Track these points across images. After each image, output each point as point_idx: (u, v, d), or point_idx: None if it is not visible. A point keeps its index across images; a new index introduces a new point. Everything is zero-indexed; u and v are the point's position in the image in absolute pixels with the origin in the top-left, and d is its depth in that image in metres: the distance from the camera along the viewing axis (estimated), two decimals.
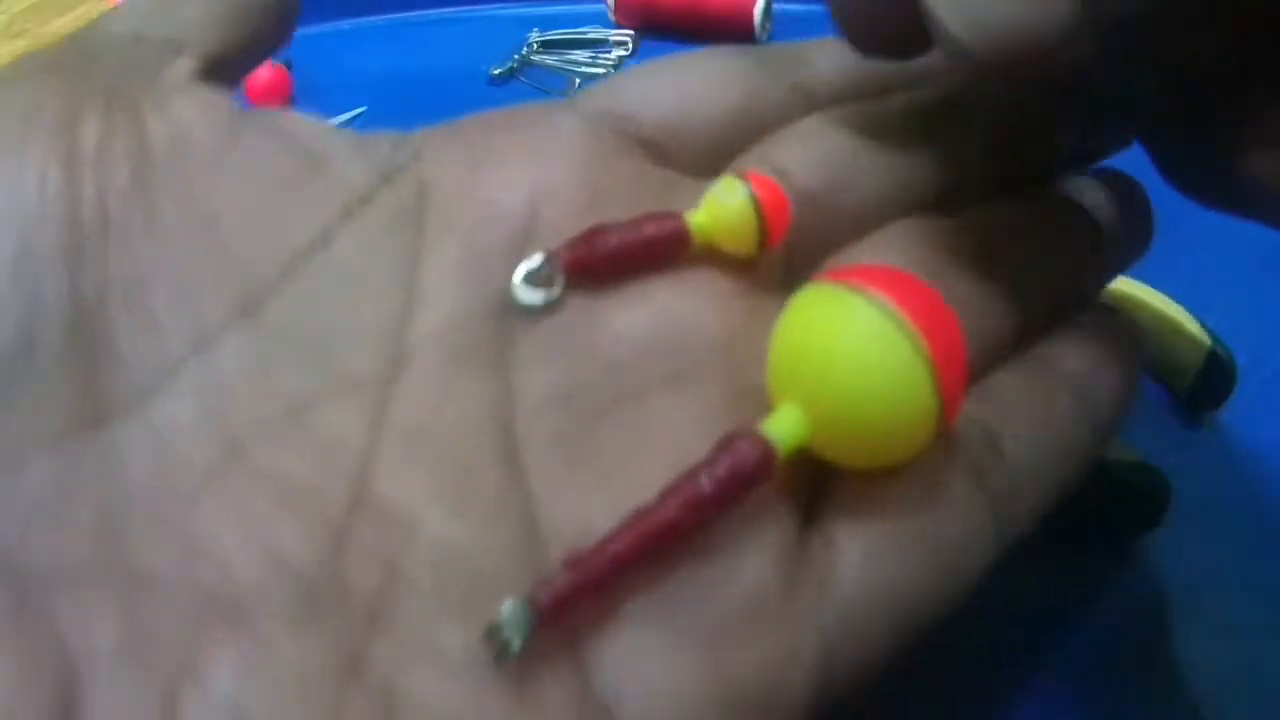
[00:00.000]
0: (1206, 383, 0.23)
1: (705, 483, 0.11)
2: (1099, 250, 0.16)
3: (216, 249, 0.12)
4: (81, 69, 0.13)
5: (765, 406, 0.12)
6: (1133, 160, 0.16)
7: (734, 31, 0.40)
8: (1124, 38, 0.11)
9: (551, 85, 0.39)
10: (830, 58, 0.16)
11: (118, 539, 0.10)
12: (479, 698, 0.10)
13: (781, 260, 0.14)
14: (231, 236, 0.12)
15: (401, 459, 0.11)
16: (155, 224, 0.12)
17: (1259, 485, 0.22)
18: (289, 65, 0.38)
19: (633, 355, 0.12)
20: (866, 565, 0.12)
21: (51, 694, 0.09)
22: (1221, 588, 0.20)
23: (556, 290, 0.12)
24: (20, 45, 0.51)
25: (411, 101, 0.33)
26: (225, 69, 0.14)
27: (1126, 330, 0.15)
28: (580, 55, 0.41)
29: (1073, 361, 0.14)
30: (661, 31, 0.41)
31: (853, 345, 0.11)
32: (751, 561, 0.12)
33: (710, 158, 0.15)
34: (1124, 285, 0.23)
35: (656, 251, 0.13)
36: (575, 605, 0.10)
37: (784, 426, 0.11)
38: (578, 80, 0.39)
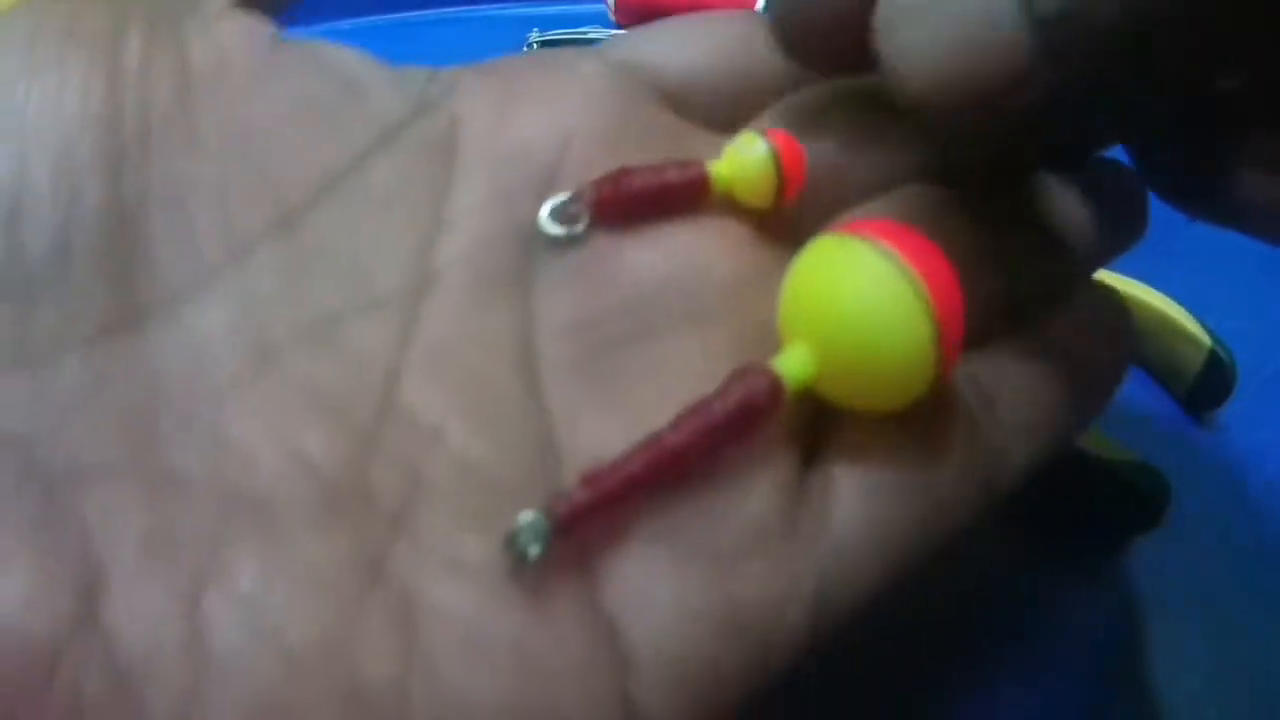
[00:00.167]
0: (1206, 383, 0.23)
1: (717, 411, 0.11)
2: (1093, 228, 0.16)
3: (254, 167, 0.12)
4: None
5: (774, 347, 0.12)
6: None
7: None
8: (1089, 73, 0.11)
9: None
10: None
11: (147, 439, 0.11)
12: (494, 606, 0.11)
13: (795, 214, 0.14)
14: (269, 156, 0.12)
15: (426, 374, 0.12)
16: (195, 140, 0.12)
17: (1259, 485, 0.22)
18: None
19: (651, 291, 0.13)
20: (862, 506, 0.12)
21: (74, 589, 0.09)
22: (1221, 587, 0.20)
23: (581, 226, 0.13)
24: None
25: None
26: (264, 4, 0.14)
27: (1120, 308, 0.15)
28: None
29: (1067, 331, 0.14)
30: None
31: (860, 291, 0.11)
32: (756, 492, 0.12)
33: (727, 113, 0.15)
34: (1124, 285, 0.23)
35: (678, 197, 0.13)
36: (590, 520, 0.11)
37: (793, 364, 0.12)
38: None
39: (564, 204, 0.13)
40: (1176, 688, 0.19)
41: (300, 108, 0.13)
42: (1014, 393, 0.14)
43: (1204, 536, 0.21)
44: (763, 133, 0.14)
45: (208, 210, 0.12)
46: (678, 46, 0.15)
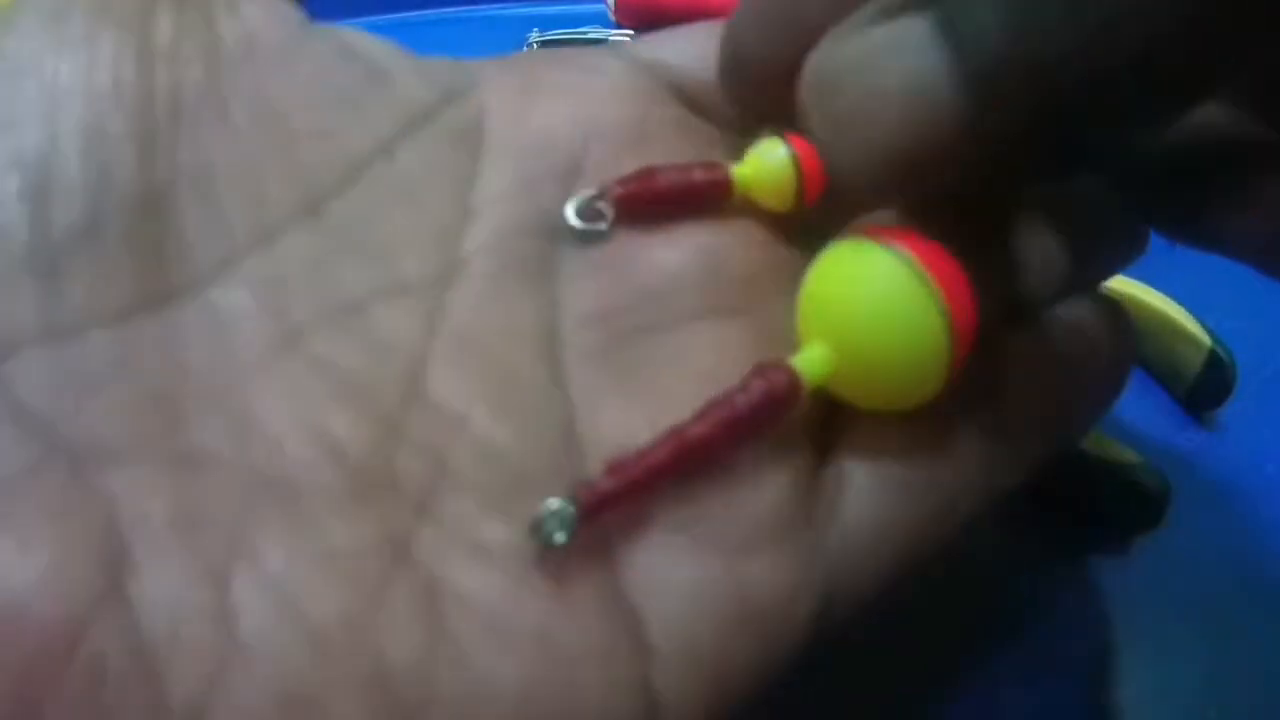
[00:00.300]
0: (1206, 383, 0.23)
1: (739, 404, 0.12)
2: (1098, 238, 0.16)
3: (282, 149, 0.12)
4: None
5: (792, 343, 0.12)
6: None
7: None
8: (1036, 123, 0.11)
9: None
10: None
11: (172, 417, 0.11)
12: (517, 592, 0.11)
13: (812, 216, 0.14)
14: (297, 138, 0.12)
15: (452, 361, 0.12)
16: (225, 120, 0.12)
17: (1259, 485, 0.22)
18: None
19: (671, 286, 0.13)
20: (872, 501, 0.13)
21: (97, 566, 0.09)
22: (1221, 587, 0.20)
23: (605, 224, 0.13)
24: None
25: None
26: (327, 10, 0.15)
27: (1119, 310, 0.16)
28: None
29: (1069, 334, 0.15)
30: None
31: (877, 293, 0.12)
32: (772, 485, 0.12)
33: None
34: (1124, 285, 0.23)
35: (701, 197, 0.14)
36: (614, 507, 0.11)
37: (810, 362, 0.12)
38: None
39: (589, 199, 0.13)
40: (1176, 687, 0.19)
41: (328, 92, 0.13)
42: (1018, 393, 0.14)
43: (1204, 536, 0.21)
44: (784, 137, 0.14)
45: (237, 192, 0.12)
46: (698, 49, 0.16)
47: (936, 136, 0.11)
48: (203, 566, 0.10)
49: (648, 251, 0.13)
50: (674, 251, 0.13)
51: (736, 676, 0.12)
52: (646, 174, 0.13)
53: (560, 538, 0.11)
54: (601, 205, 0.13)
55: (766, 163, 0.14)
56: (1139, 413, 0.23)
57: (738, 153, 0.14)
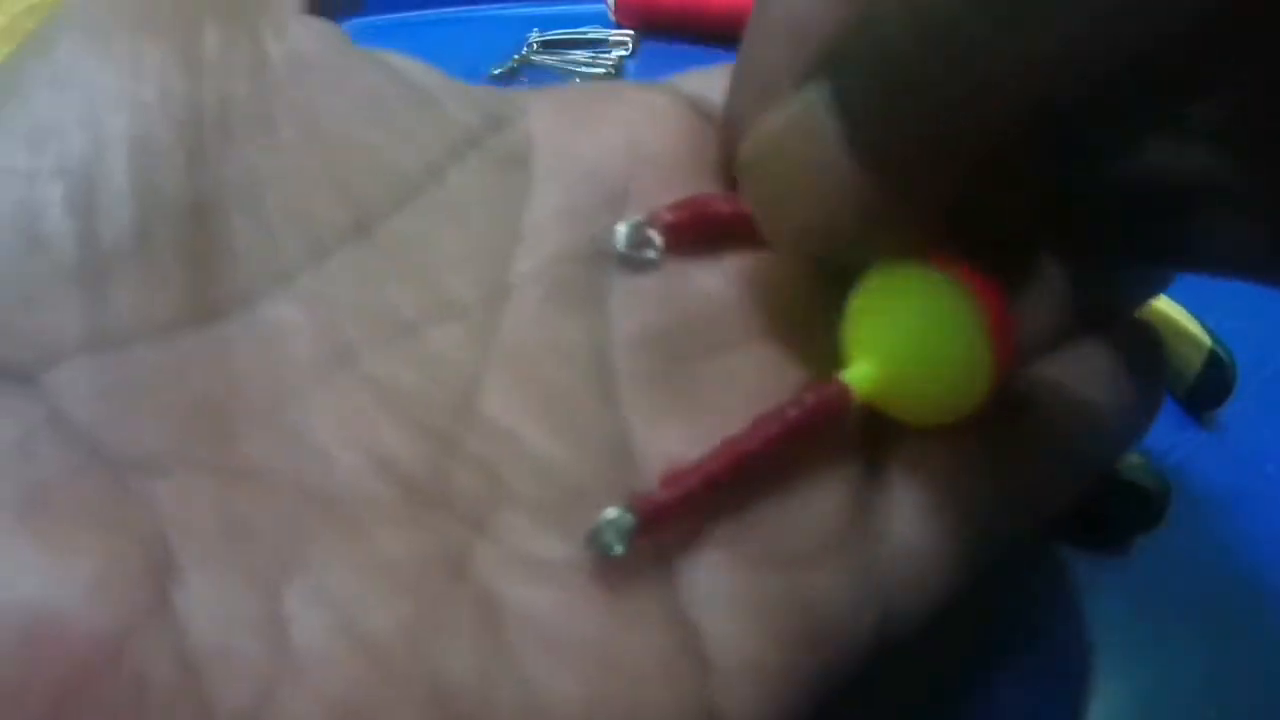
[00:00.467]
0: (1206, 383, 0.23)
1: (791, 417, 0.12)
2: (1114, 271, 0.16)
3: (331, 168, 0.12)
4: None
5: (837, 364, 0.13)
6: None
7: (734, 31, 0.40)
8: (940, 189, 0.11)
9: (552, 85, 0.39)
10: None
11: (220, 430, 0.11)
12: (575, 608, 0.11)
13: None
14: (346, 158, 0.12)
15: (504, 379, 0.12)
16: (274, 136, 0.12)
17: (1259, 485, 0.22)
18: None
19: (719, 311, 0.13)
20: (921, 518, 0.13)
21: (143, 576, 0.09)
22: (1221, 587, 0.20)
23: (653, 252, 0.13)
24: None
25: None
26: (326, 10, 0.14)
27: (1155, 337, 0.16)
28: (580, 55, 0.41)
29: (1105, 363, 0.15)
30: (661, 31, 0.41)
31: (926, 307, 0.12)
32: (827, 497, 0.12)
33: None
34: None
35: (745, 226, 0.14)
36: (670, 517, 0.11)
37: (859, 376, 0.12)
38: (578, 80, 0.39)
39: (638, 225, 0.13)
40: (1176, 688, 0.19)
41: (377, 113, 0.13)
42: (1055, 417, 0.14)
43: (1204, 536, 0.21)
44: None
45: (286, 208, 0.12)
46: None
47: (846, 209, 0.11)
48: (253, 578, 0.10)
49: (693, 278, 0.14)
50: (719, 278, 0.14)
51: (799, 692, 0.12)
52: (694, 203, 0.14)
53: (618, 549, 0.11)
54: (650, 232, 0.13)
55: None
56: None
57: None
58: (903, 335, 0.12)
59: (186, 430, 0.10)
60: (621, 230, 0.13)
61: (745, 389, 0.13)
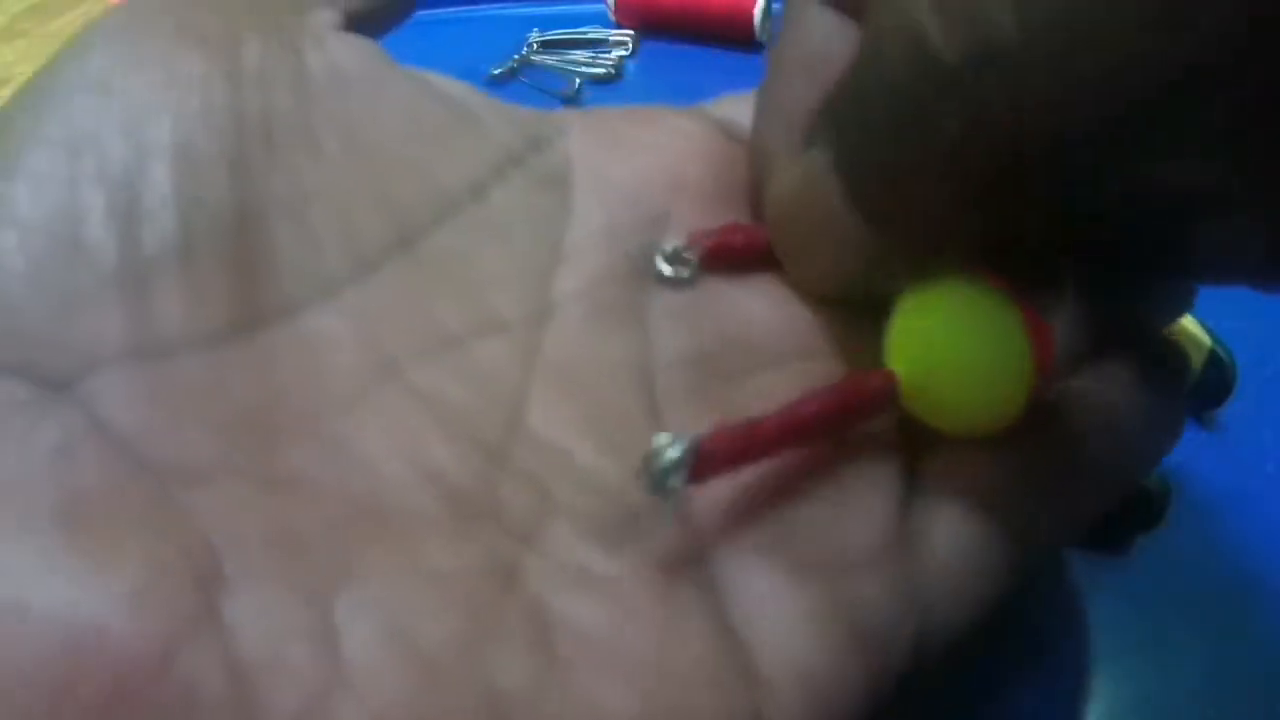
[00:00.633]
0: (1206, 383, 0.23)
1: (845, 388, 0.12)
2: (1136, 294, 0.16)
3: (374, 182, 0.12)
4: None
5: None
6: None
7: (734, 31, 0.40)
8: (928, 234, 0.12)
9: (551, 85, 0.39)
10: None
11: (266, 440, 0.11)
12: (626, 620, 0.11)
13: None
14: (389, 173, 0.12)
15: (550, 395, 0.12)
16: (316, 150, 0.12)
17: (1259, 485, 0.22)
18: None
19: (758, 333, 0.14)
20: (959, 531, 0.13)
21: (190, 585, 0.09)
22: (1221, 587, 0.20)
23: (689, 272, 0.14)
24: (20, 45, 0.51)
25: None
26: (362, 29, 0.15)
27: (1175, 361, 0.16)
28: (580, 55, 0.41)
29: (1130, 381, 0.15)
30: (661, 31, 0.41)
31: (970, 319, 0.12)
32: (870, 508, 0.13)
33: None
34: None
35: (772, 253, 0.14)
36: (723, 464, 0.11)
37: (901, 367, 0.13)
38: (578, 80, 0.39)
39: (678, 249, 0.14)
40: (1176, 687, 0.19)
41: (416, 129, 0.13)
42: (1085, 431, 0.14)
43: (1204, 536, 0.21)
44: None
45: (330, 221, 0.12)
46: None
47: (854, 259, 0.13)
48: (302, 588, 0.10)
49: (733, 298, 0.14)
50: (758, 298, 0.14)
51: (848, 704, 0.12)
52: (732, 228, 0.14)
53: (677, 484, 0.11)
54: (688, 255, 0.14)
55: None
56: None
57: None
58: (944, 342, 0.12)
59: (231, 440, 0.10)
60: (662, 253, 0.14)
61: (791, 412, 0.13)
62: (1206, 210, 0.12)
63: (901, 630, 0.12)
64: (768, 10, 0.39)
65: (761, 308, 0.14)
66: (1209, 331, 0.23)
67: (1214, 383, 0.23)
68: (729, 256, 0.14)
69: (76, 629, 0.09)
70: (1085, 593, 0.20)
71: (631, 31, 0.41)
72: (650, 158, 0.15)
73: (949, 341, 0.12)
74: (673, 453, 0.11)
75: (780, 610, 0.12)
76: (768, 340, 0.14)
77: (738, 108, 0.16)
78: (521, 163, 0.14)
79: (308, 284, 0.12)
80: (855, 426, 0.13)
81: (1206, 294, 0.16)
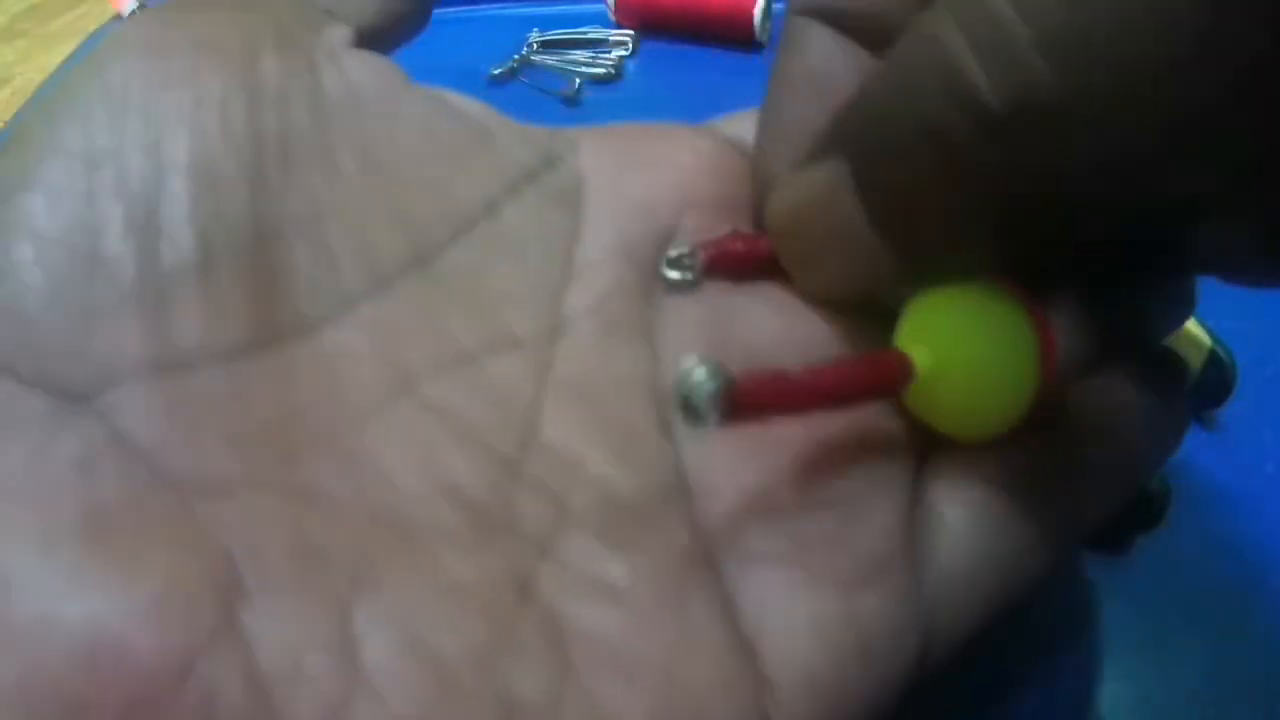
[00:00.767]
0: (1206, 383, 0.23)
1: (866, 360, 0.12)
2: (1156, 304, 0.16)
3: (390, 200, 0.12)
4: (254, 10, 0.13)
5: None
6: None
7: (734, 31, 0.40)
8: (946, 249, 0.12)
9: (551, 85, 0.39)
10: None
11: (285, 454, 0.11)
12: (640, 629, 0.11)
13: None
14: (404, 190, 0.13)
15: (564, 409, 0.12)
16: (333, 167, 0.12)
17: (1259, 485, 0.22)
18: None
19: (765, 344, 0.14)
20: (964, 541, 0.13)
21: (210, 595, 0.09)
22: (1221, 587, 0.20)
23: (692, 275, 0.14)
24: (20, 45, 0.51)
25: None
26: (374, 45, 0.15)
27: (1177, 367, 0.16)
28: (580, 55, 0.41)
29: (1131, 389, 0.15)
30: (661, 31, 0.41)
31: (979, 319, 0.12)
32: (879, 518, 0.13)
33: None
34: None
35: (776, 260, 0.14)
36: (754, 411, 0.11)
37: (915, 356, 0.13)
38: (578, 80, 0.39)
39: (681, 254, 0.14)
40: (1176, 687, 0.19)
41: (434, 147, 0.13)
42: (1087, 439, 0.14)
43: (1204, 536, 0.21)
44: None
45: (347, 238, 0.12)
46: None
47: (868, 272, 0.13)
48: (321, 599, 0.10)
49: (741, 311, 0.14)
50: (764, 313, 0.14)
51: (851, 707, 0.12)
52: (733, 237, 0.14)
53: (712, 420, 0.10)
54: (690, 260, 0.14)
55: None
56: None
57: None
58: (952, 346, 0.12)
59: (250, 453, 0.10)
60: (665, 257, 0.14)
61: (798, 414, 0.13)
62: (1206, 213, 0.12)
63: (908, 637, 0.12)
64: (768, 10, 0.39)
65: (768, 321, 0.14)
66: (1209, 331, 0.23)
67: (1214, 383, 0.23)
68: (730, 262, 0.14)
69: (98, 641, 0.09)
70: (1085, 593, 0.20)
71: (631, 31, 0.41)
72: (660, 174, 0.15)
73: (957, 345, 0.12)
74: (708, 384, 0.10)
75: (789, 617, 0.12)
76: (775, 352, 0.14)
77: (746, 125, 0.16)
78: (534, 179, 0.14)
79: (325, 300, 0.12)
80: (872, 398, 0.13)
81: (1206, 294, 0.16)
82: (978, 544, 0.13)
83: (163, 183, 0.11)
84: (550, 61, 0.40)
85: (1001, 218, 0.11)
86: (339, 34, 0.14)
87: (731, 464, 0.13)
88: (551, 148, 0.14)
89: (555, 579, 0.11)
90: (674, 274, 0.14)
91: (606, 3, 0.42)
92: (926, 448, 0.13)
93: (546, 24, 0.42)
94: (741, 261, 0.14)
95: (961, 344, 0.12)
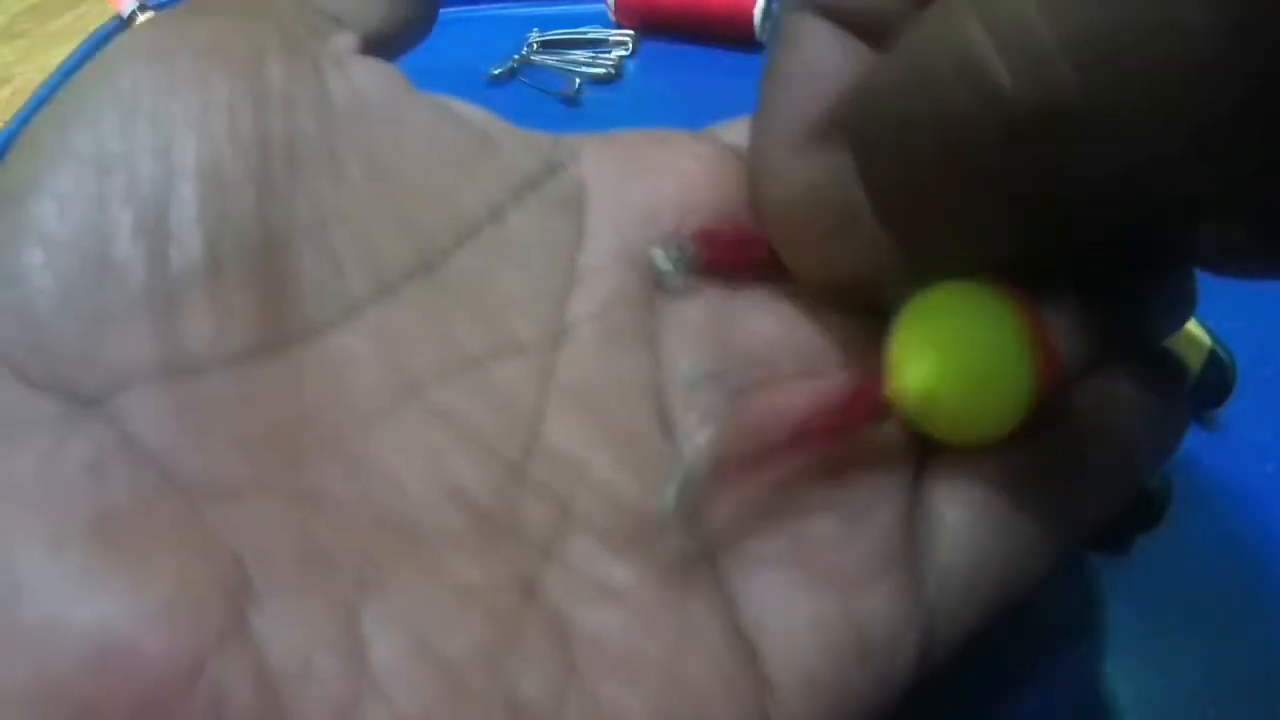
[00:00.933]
0: (1206, 383, 0.23)
1: (849, 388, 0.12)
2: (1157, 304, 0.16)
3: (396, 206, 0.13)
4: (260, 15, 0.13)
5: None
6: None
7: (734, 31, 0.40)
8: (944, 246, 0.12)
9: (551, 85, 0.39)
10: None
11: (292, 458, 0.11)
12: (644, 630, 0.11)
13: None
14: (410, 197, 0.13)
15: (568, 413, 0.12)
16: (339, 173, 0.12)
17: (1259, 485, 0.22)
18: None
19: (766, 351, 0.14)
20: (964, 542, 0.13)
21: (219, 598, 0.09)
22: (1222, 587, 0.20)
23: (685, 266, 0.14)
24: (20, 45, 0.51)
25: None
26: (380, 52, 0.15)
27: (1177, 369, 0.16)
28: (580, 55, 0.41)
29: (1131, 390, 0.15)
30: (661, 31, 0.41)
31: (977, 320, 0.12)
32: (879, 519, 0.13)
33: None
34: None
35: (767, 260, 0.14)
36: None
37: (908, 380, 0.12)
38: (578, 80, 0.39)
39: (676, 247, 0.14)
40: (1176, 687, 0.19)
41: (439, 154, 0.13)
42: (1086, 440, 0.14)
43: (1204, 536, 0.21)
44: None
45: (353, 244, 0.12)
46: None
47: (871, 263, 0.12)
48: (330, 601, 0.10)
49: (743, 316, 0.14)
50: (765, 318, 0.14)
51: (851, 709, 0.12)
52: (727, 228, 0.14)
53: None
54: (683, 254, 0.14)
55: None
56: None
57: None
58: (950, 345, 0.12)
59: (258, 457, 0.11)
60: (659, 250, 0.14)
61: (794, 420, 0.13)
62: (1206, 212, 0.12)
63: (908, 637, 0.12)
64: (768, 10, 0.39)
65: (768, 326, 0.14)
66: (1209, 331, 0.23)
67: (1214, 383, 0.23)
68: (722, 250, 0.14)
69: (107, 644, 0.09)
70: (1085, 593, 0.20)
71: (631, 31, 0.41)
72: (662, 181, 0.15)
73: (954, 351, 0.12)
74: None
75: (789, 617, 0.12)
76: (776, 357, 0.14)
77: (747, 131, 0.16)
78: (537, 186, 0.14)
79: (331, 305, 0.12)
80: (847, 438, 0.13)
81: (1206, 294, 0.16)
82: (978, 544, 0.13)
83: (172, 187, 0.11)
84: (550, 61, 0.40)
85: (1009, 216, 0.11)
86: (345, 40, 0.14)
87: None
88: (554, 155, 0.14)
89: (559, 581, 0.11)
90: (668, 266, 0.14)
91: (606, 3, 0.42)
92: (926, 448, 0.14)
93: (546, 24, 0.42)
94: (734, 251, 0.14)
95: (956, 356, 0.12)
